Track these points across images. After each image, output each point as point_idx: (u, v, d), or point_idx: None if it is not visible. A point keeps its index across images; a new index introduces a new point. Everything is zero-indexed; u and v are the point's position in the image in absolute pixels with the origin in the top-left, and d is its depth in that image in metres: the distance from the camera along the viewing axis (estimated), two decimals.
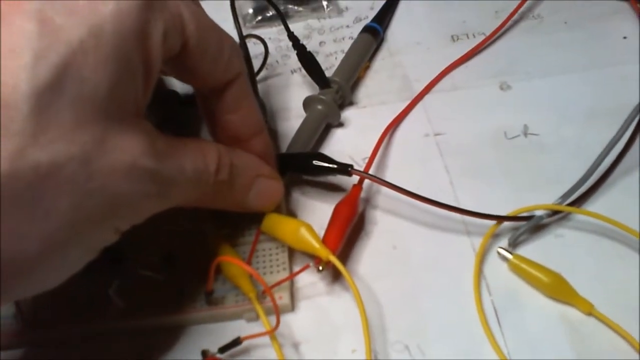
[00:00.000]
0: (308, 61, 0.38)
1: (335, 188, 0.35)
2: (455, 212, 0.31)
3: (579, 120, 0.37)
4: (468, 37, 0.43)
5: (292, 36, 0.37)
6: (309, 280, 0.31)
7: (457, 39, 0.43)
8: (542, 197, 0.33)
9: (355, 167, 0.32)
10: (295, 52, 0.38)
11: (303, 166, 0.33)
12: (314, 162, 0.32)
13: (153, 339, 0.30)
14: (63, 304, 0.30)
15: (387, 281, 0.31)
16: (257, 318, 0.30)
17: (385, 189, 0.34)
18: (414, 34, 0.44)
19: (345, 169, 0.32)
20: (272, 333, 0.27)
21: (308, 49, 0.39)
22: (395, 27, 0.45)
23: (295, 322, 0.30)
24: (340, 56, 0.42)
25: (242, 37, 0.33)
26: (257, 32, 0.43)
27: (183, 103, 0.39)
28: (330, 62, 0.42)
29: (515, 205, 0.32)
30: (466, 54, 0.42)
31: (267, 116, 0.34)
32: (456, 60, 0.41)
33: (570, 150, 0.36)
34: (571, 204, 0.32)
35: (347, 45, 0.42)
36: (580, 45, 0.42)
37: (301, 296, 0.31)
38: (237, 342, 0.27)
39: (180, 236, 0.32)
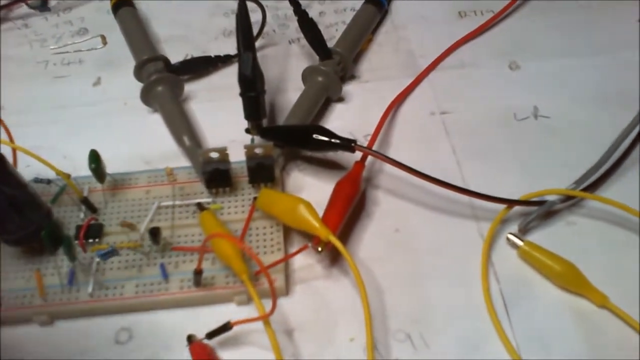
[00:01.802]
0: (309, 29, 0.35)
1: (334, 165, 0.33)
2: (463, 194, 0.29)
3: (590, 104, 0.35)
4: (476, 14, 0.41)
5: (293, 0, 0.34)
6: (305, 262, 0.29)
7: (465, 15, 0.41)
8: (552, 181, 0.31)
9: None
10: (297, 18, 0.35)
11: (302, 140, 0.31)
12: (314, 135, 0.30)
13: (132, 321, 0.27)
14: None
15: (388, 266, 0.29)
16: (248, 301, 0.28)
17: (388, 168, 0.32)
18: (419, 8, 0.42)
19: (349, 144, 0.30)
20: (266, 318, 0.25)
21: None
22: None
23: (290, 307, 0.27)
24: (342, 28, 0.39)
25: None
26: None
27: (173, 70, 0.36)
28: (330, 34, 0.40)
29: (525, 189, 0.31)
30: (474, 31, 0.39)
31: (264, 85, 0.32)
32: (464, 37, 0.39)
33: (581, 134, 0.34)
34: (584, 190, 0.31)
35: (348, 16, 0.40)
36: (592, 27, 0.40)
37: (296, 279, 0.29)
38: (226, 327, 0.25)
39: (168, 209, 0.30)
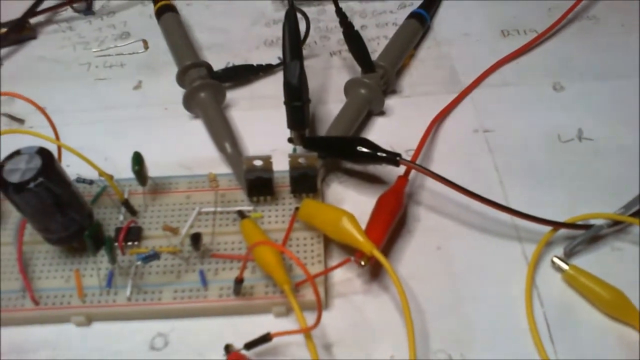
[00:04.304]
0: (354, 41, 0.35)
1: (374, 179, 0.32)
2: (509, 213, 0.29)
3: (635, 127, 0.35)
4: (519, 33, 0.41)
5: (340, 12, 0.34)
6: (344, 276, 0.29)
7: (508, 34, 0.41)
8: (595, 206, 0.30)
9: None
10: (342, 30, 0.35)
11: (346, 151, 0.30)
12: (359, 147, 0.30)
13: (169, 327, 0.27)
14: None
15: (429, 284, 0.28)
16: (286, 313, 0.27)
17: (430, 185, 0.32)
18: (462, 25, 0.41)
19: (394, 158, 0.29)
20: (309, 331, 0.24)
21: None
22: (443, 16, 0.42)
23: (329, 321, 0.27)
24: (383, 42, 0.39)
25: (292, 4, 0.30)
26: None
27: (215, 77, 0.36)
28: (372, 48, 0.39)
29: (567, 212, 0.30)
30: (517, 50, 0.39)
31: (309, 93, 0.31)
32: (507, 56, 0.39)
33: (626, 157, 0.33)
34: (632, 216, 0.30)
35: (390, 31, 0.40)
36: (637, 50, 0.39)
37: (335, 293, 0.28)
38: (266, 338, 0.25)
39: (209, 215, 0.30)
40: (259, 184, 0.29)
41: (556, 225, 0.29)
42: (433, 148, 0.34)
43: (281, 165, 0.30)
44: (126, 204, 0.29)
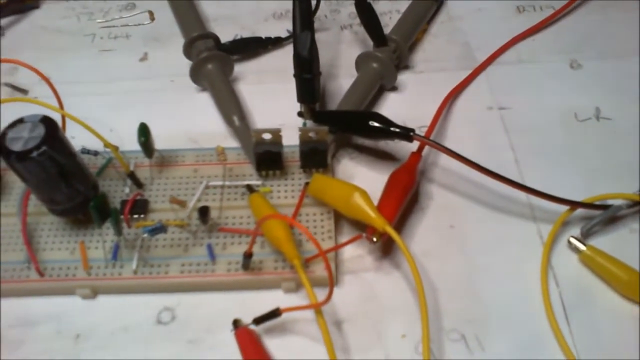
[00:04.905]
0: (366, 13, 0.34)
1: (386, 155, 0.32)
2: (525, 192, 0.28)
3: None
4: (535, 10, 0.40)
5: None
6: (354, 253, 0.28)
7: (523, 9, 0.40)
8: (613, 186, 0.30)
9: None
10: (354, 1, 0.34)
11: (358, 126, 0.30)
12: (371, 122, 0.29)
13: (176, 301, 0.26)
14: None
15: (442, 262, 0.28)
16: (296, 289, 0.27)
17: (443, 162, 0.31)
18: (476, 0, 0.40)
19: (407, 133, 0.28)
20: (319, 307, 0.24)
21: None
22: None
23: (339, 298, 0.26)
24: (396, 17, 0.38)
25: None
26: None
27: (223, 49, 0.35)
28: (384, 22, 0.38)
29: (585, 192, 0.29)
30: (534, 27, 0.38)
31: (320, 67, 0.30)
32: (523, 32, 0.38)
33: None
34: None
35: (402, 5, 0.39)
36: None
37: (345, 270, 0.27)
38: (275, 313, 0.24)
39: (216, 189, 0.29)
40: (267, 158, 0.29)
41: (574, 204, 0.28)
42: (446, 125, 0.33)
43: (291, 140, 0.29)
44: (132, 176, 0.29)
